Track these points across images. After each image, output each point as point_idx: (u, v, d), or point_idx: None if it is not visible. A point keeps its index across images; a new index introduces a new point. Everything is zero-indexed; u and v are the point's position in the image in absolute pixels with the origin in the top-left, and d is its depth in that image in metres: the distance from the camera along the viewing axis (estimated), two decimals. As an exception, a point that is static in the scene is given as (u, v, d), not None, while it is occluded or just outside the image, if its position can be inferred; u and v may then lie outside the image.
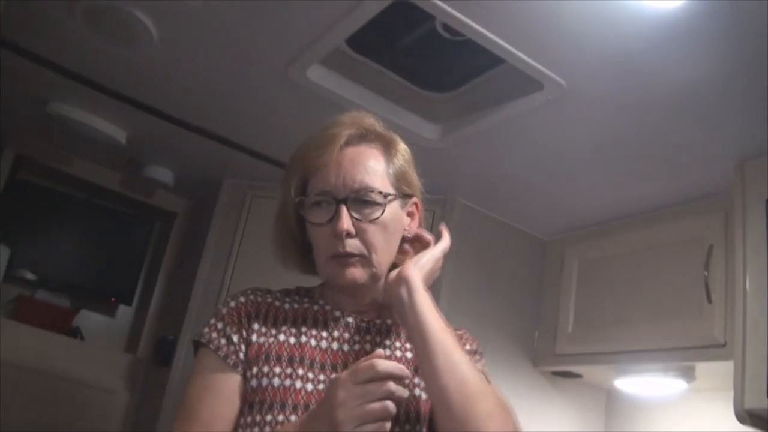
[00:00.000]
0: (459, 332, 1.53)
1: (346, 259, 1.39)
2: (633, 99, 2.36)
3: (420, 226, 1.57)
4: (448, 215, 3.30)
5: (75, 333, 3.72)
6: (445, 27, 2.32)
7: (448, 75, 2.70)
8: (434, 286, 3.08)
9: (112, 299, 4.00)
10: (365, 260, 1.40)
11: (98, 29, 2.48)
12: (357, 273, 1.40)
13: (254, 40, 2.42)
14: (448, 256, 3.17)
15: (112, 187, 3.91)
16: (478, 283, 3.34)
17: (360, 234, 1.39)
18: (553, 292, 3.42)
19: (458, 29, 2.16)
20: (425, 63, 2.66)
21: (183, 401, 1.37)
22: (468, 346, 1.52)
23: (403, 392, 1.19)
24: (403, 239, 1.52)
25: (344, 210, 1.37)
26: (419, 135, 2.81)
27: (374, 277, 1.44)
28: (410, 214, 1.53)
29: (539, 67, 2.26)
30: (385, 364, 1.17)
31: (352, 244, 1.38)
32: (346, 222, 1.37)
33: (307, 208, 1.43)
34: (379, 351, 1.24)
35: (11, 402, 3.24)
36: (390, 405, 1.17)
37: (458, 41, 2.36)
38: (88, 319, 3.89)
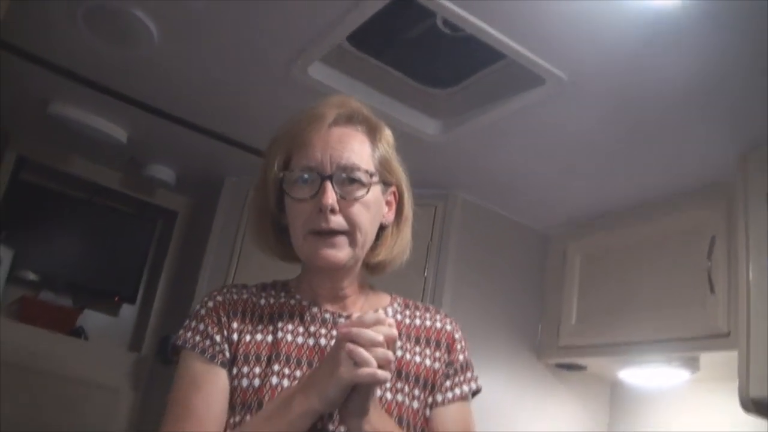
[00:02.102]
0: (456, 336, 1.52)
1: (327, 237, 1.36)
2: (634, 91, 2.36)
3: (403, 217, 1.52)
4: (450, 210, 3.31)
5: (79, 333, 3.73)
6: (446, 23, 2.32)
7: (449, 70, 2.70)
8: (437, 281, 3.12)
9: (116, 298, 4.01)
10: (348, 237, 1.37)
11: (99, 30, 2.48)
12: (338, 254, 1.37)
13: (256, 39, 2.42)
14: (450, 251, 3.18)
15: (113, 187, 3.92)
16: (480, 277, 3.34)
17: (343, 212, 1.36)
18: (555, 285, 3.43)
19: (459, 25, 2.16)
20: (426, 59, 2.67)
21: (171, 404, 1.35)
22: (461, 357, 1.51)
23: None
24: (381, 227, 1.48)
25: (329, 185, 1.35)
26: (421, 130, 2.81)
27: (354, 259, 1.41)
28: (388, 204, 1.49)
29: (540, 61, 2.26)
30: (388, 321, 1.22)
31: (336, 221, 1.36)
32: (331, 197, 1.34)
33: (290, 184, 1.40)
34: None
35: (17, 403, 3.25)
36: (389, 353, 1.19)
37: (459, 37, 2.36)
38: (92, 319, 3.90)
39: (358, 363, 1.17)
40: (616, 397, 3.57)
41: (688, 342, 2.73)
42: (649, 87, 2.32)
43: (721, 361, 2.73)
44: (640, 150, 2.73)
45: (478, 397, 1.51)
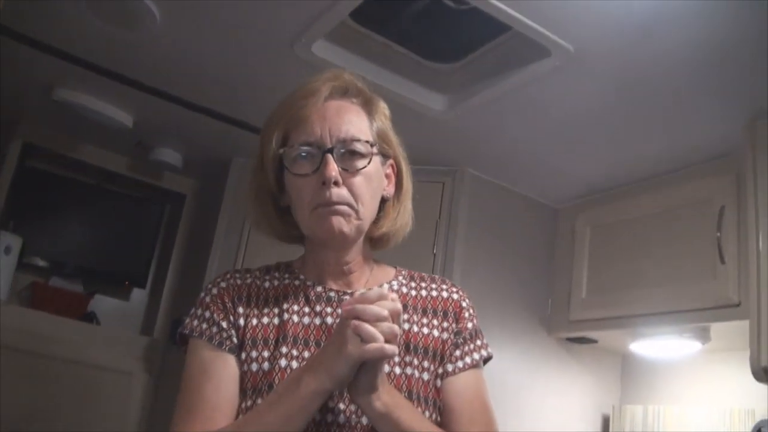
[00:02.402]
0: (464, 305, 1.51)
1: (331, 207, 1.35)
2: (641, 63, 2.35)
3: (403, 189, 1.51)
4: (458, 186, 3.30)
5: (90, 318, 3.74)
6: (450, -4, 2.31)
7: (454, 45, 2.69)
8: (447, 258, 3.12)
9: (126, 283, 4.02)
10: (352, 210, 1.37)
11: (101, 13, 2.48)
12: (343, 223, 1.36)
13: (258, 18, 2.41)
14: (459, 227, 3.18)
15: (120, 171, 3.92)
16: (490, 253, 3.35)
17: (346, 183, 1.36)
18: (565, 259, 3.43)
19: (463, -2, 2.15)
20: (430, 33, 2.65)
21: (183, 393, 1.35)
22: (470, 324, 1.50)
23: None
24: (382, 200, 1.48)
25: (331, 158, 1.35)
26: (427, 106, 2.80)
27: (358, 230, 1.40)
28: (387, 177, 1.49)
29: (546, 32, 2.25)
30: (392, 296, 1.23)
31: (339, 193, 1.35)
32: (333, 169, 1.34)
33: (290, 161, 1.39)
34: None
35: (30, 388, 3.27)
36: (395, 327, 1.19)
37: (463, 10, 2.35)
38: (103, 304, 3.91)
39: (364, 339, 1.17)
40: (627, 369, 3.58)
41: (699, 313, 2.73)
42: (656, 58, 2.31)
43: (732, 332, 2.74)
44: (647, 121, 2.72)
45: (489, 372, 1.50)
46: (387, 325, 1.19)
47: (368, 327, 1.17)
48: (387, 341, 1.18)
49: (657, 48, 2.26)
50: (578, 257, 3.33)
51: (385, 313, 1.19)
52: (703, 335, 2.84)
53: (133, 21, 2.48)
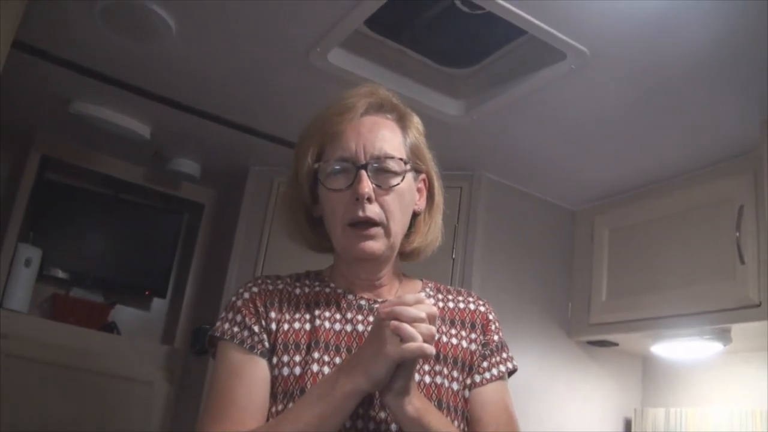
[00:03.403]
0: (490, 317, 1.53)
1: (364, 229, 1.38)
2: (656, 62, 2.34)
3: (435, 203, 1.54)
4: (475, 191, 3.30)
5: (111, 328, 3.76)
6: (464, 1, 2.30)
7: (469, 50, 2.69)
8: (466, 262, 3.12)
9: (146, 292, 4.03)
10: (384, 229, 1.39)
11: (117, 26, 2.49)
12: (375, 246, 1.38)
13: (274, 27, 2.43)
14: (477, 232, 3.18)
15: (138, 182, 3.94)
16: (508, 257, 3.35)
17: (379, 200, 1.38)
18: (584, 262, 3.42)
19: (477, 3, 2.15)
20: (445, 39, 2.66)
21: (212, 394, 1.36)
22: (496, 337, 1.52)
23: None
24: (414, 214, 1.50)
25: (365, 174, 1.37)
26: (443, 112, 2.81)
27: (390, 248, 1.43)
28: (419, 191, 1.51)
29: (561, 36, 2.25)
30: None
31: (372, 210, 1.37)
32: (367, 185, 1.36)
33: (325, 176, 1.41)
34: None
35: (54, 399, 3.29)
36: (432, 328, 1.21)
37: (478, 15, 2.34)
38: (124, 314, 3.94)
39: (404, 339, 1.18)
40: (648, 372, 3.56)
41: (720, 314, 2.72)
42: (671, 57, 2.31)
43: (753, 332, 2.73)
44: (664, 122, 2.71)
45: (512, 377, 1.51)
46: (425, 326, 1.21)
47: (408, 327, 1.19)
48: (425, 342, 1.19)
49: (672, 48, 2.25)
50: (597, 260, 3.33)
51: (423, 315, 1.21)
52: (724, 336, 2.82)
53: (148, 33, 2.50)
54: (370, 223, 1.37)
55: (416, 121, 1.52)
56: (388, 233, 1.40)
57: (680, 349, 3.05)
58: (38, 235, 3.68)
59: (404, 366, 1.22)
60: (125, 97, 3.02)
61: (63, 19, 2.50)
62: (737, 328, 2.76)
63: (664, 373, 3.45)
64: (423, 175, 1.51)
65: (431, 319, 1.22)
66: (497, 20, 2.23)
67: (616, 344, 3.35)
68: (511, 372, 1.50)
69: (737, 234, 2.68)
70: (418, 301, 1.23)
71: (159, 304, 4.10)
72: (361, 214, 1.36)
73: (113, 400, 3.49)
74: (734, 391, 3.08)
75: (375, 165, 1.39)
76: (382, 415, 1.31)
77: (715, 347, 2.89)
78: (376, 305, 1.45)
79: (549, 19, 2.19)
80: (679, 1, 2.03)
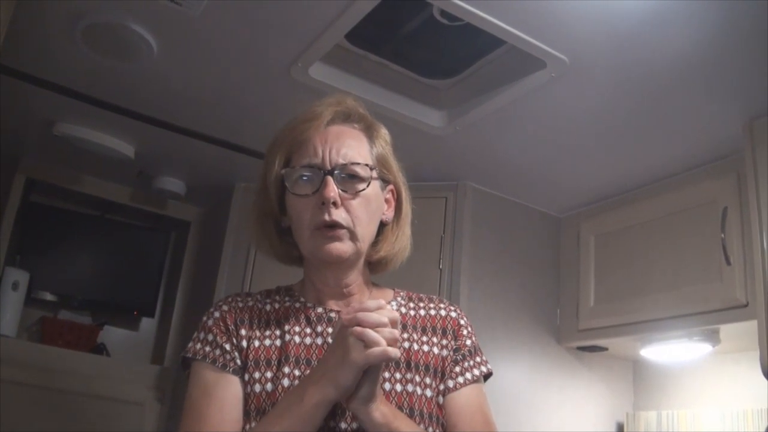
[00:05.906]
0: (462, 322, 1.53)
1: (331, 231, 1.38)
2: (637, 68, 2.36)
3: (402, 214, 1.54)
4: (460, 201, 3.31)
5: (100, 350, 3.75)
6: (443, 13, 2.32)
7: (450, 61, 2.71)
8: (453, 272, 3.13)
9: (135, 312, 4.02)
10: (350, 233, 1.39)
11: (98, 47, 2.50)
12: (342, 247, 1.38)
13: (254, 44, 2.43)
14: (463, 242, 3.19)
15: (124, 202, 3.93)
16: (496, 265, 3.35)
17: (345, 205, 1.38)
18: (571, 268, 3.43)
19: (456, 15, 2.16)
20: (426, 51, 2.67)
21: (186, 414, 1.36)
22: (468, 342, 1.52)
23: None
24: (382, 224, 1.50)
25: (330, 180, 1.37)
26: (426, 123, 2.82)
27: (357, 253, 1.43)
28: (387, 201, 1.51)
29: (540, 44, 2.26)
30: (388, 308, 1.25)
31: (338, 214, 1.37)
32: (332, 190, 1.36)
33: (292, 182, 1.42)
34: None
35: (44, 423, 3.27)
36: (395, 331, 1.22)
37: (457, 26, 2.36)
38: (113, 335, 3.92)
39: (368, 344, 1.19)
40: (639, 375, 3.58)
41: (707, 315, 2.73)
42: (652, 62, 2.32)
43: (741, 332, 2.74)
44: (646, 126, 2.72)
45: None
46: (388, 330, 1.21)
47: (372, 332, 1.19)
48: (389, 346, 1.20)
49: (652, 52, 2.27)
50: (584, 266, 3.34)
51: (385, 319, 1.21)
52: (713, 337, 2.84)
53: (130, 53, 2.50)
54: (337, 226, 1.38)
55: (384, 132, 1.53)
56: (354, 237, 1.40)
57: (670, 351, 3.06)
58: (25, 258, 3.67)
59: (370, 372, 1.22)
60: (108, 117, 3.01)
61: (44, 41, 2.50)
62: (725, 329, 2.78)
63: (655, 376, 3.46)
64: (391, 186, 1.51)
65: (393, 323, 1.23)
66: (477, 31, 2.24)
67: (605, 349, 3.36)
68: (487, 375, 1.50)
69: (722, 236, 2.69)
70: (380, 307, 1.23)
71: (148, 324, 4.09)
72: (327, 218, 1.36)
73: (104, 422, 3.47)
74: (725, 392, 3.09)
75: (341, 171, 1.40)
76: (354, 425, 1.31)
77: (704, 348, 2.91)
78: None
79: (527, 29, 2.21)
80: (657, 5, 2.04)
